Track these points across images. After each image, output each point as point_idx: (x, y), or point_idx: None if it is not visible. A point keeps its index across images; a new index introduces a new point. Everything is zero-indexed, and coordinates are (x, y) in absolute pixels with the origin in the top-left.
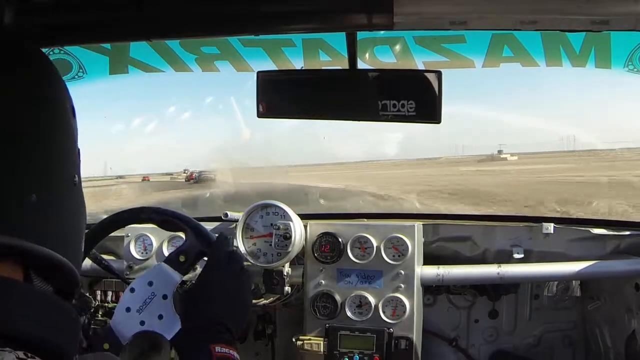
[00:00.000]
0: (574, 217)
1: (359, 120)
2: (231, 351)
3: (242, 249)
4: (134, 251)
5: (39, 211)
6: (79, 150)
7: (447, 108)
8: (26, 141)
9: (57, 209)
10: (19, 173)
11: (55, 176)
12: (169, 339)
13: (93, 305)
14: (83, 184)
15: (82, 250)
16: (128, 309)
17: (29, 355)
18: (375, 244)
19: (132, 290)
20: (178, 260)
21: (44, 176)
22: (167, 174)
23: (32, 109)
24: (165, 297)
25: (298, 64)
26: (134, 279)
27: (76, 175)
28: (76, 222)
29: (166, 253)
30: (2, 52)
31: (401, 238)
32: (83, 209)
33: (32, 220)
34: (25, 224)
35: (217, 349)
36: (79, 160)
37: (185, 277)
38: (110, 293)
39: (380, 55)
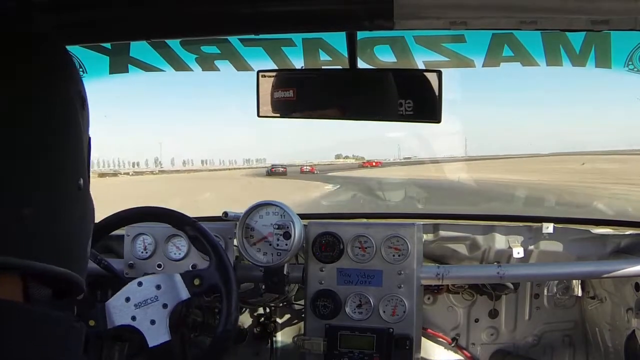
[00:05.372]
0: (574, 216)
1: (359, 120)
2: None
3: (241, 249)
4: (134, 250)
5: (36, 224)
6: (89, 139)
7: None
8: (20, 145)
9: (58, 219)
10: (9, 184)
11: (56, 184)
12: (150, 346)
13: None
14: None
15: (88, 253)
16: (128, 299)
17: None
18: (375, 243)
19: (140, 284)
20: (192, 281)
21: (41, 186)
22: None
23: (31, 107)
24: (165, 306)
25: (298, 63)
26: (134, 278)
27: (81, 179)
28: (81, 227)
29: (166, 252)
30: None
31: (401, 237)
32: (90, 211)
33: (27, 233)
34: (19, 238)
35: None
36: (89, 156)
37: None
38: (109, 292)
39: (380, 54)
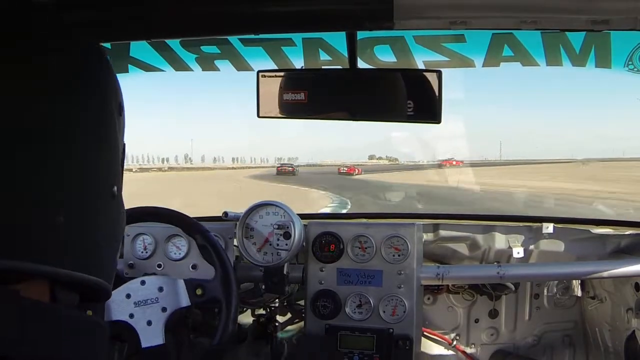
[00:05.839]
0: (574, 216)
1: (359, 120)
2: None
3: (241, 249)
4: (133, 250)
5: (68, 232)
6: (124, 145)
7: None
8: (54, 149)
9: (90, 226)
10: (43, 190)
11: (90, 192)
12: (143, 346)
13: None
14: None
15: (118, 257)
16: (128, 296)
17: None
18: (375, 243)
19: (143, 283)
20: (195, 290)
21: (74, 194)
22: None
23: (65, 108)
24: (164, 309)
25: (298, 63)
26: (133, 278)
27: (115, 186)
28: (113, 233)
29: (166, 252)
30: (30, 28)
31: (401, 237)
32: (122, 217)
33: (59, 241)
34: (49, 246)
35: None
36: (122, 163)
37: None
38: None
39: (380, 54)
